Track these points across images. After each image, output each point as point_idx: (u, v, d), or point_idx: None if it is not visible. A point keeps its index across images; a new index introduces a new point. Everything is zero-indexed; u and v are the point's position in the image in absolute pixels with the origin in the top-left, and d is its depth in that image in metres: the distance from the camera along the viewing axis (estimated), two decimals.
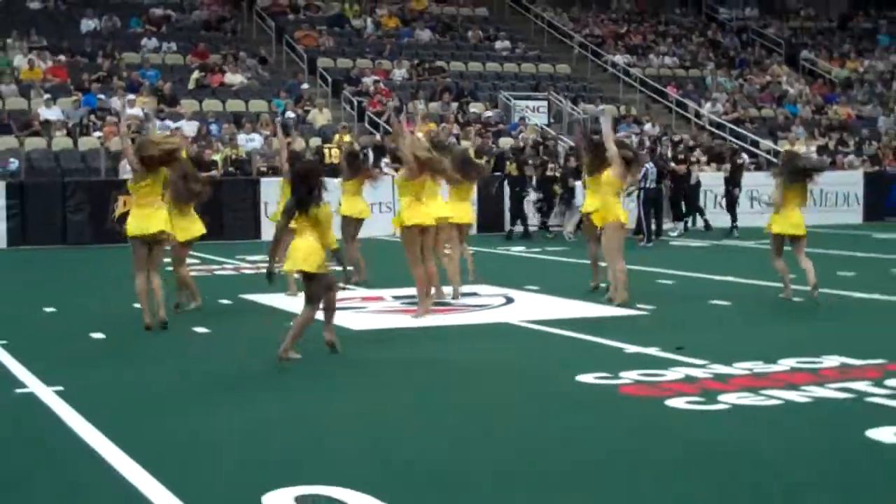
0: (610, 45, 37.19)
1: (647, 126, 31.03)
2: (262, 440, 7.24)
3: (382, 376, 9.51)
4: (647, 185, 22.77)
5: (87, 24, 32.09)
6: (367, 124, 29.30)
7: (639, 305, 13.13)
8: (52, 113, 26.38)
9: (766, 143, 31.08)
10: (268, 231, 21.98)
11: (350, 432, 7.46)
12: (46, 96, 26.98)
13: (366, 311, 13.29)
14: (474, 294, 14.44)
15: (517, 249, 21.58)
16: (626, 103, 33.42)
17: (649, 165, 22.96)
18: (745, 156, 28.12)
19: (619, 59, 36.17)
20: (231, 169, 24.66)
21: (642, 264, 17.67)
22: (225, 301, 14.10)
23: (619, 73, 35.59)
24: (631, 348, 10.38)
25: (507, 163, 24.76)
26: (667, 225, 24.63)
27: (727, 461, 6.76)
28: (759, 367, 9.33)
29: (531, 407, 8.21)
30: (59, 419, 7.82)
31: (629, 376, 9.01)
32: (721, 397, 8.22)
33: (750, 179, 26.08)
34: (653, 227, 23.02)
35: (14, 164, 23.32)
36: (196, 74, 30.05)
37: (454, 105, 30.65)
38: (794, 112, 34.44)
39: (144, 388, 8.96)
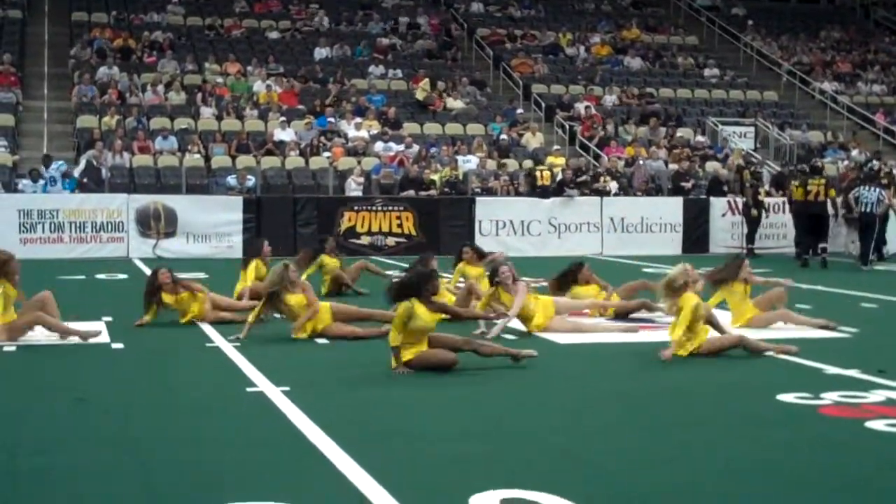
0: (818, 72, 36.21)
1: (854, 152, 30.04)
2: (467, 441, 7.33)
3: (589, 389, 9.47)
4: (866, 210, 21.80)
5: (320, 53, 33.07)
6: (577, 147, 29.27)
7: (841, 328, 12.71)
8: (286, 134, 27.25)
9: None
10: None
11: (548, 441, 7.47)
12: (281, 119, 27.90)
13: None
14: None
15: None
16: (833, 129, 32.46)
17: (866, 190, 21.88)
18: None
19: (827, 86, 35.17)
20: (447, 189, 24.94)
21: (847, 287, 17.09)
22: None
23: (827, 100, 34.59)
24: (831, 369, 10.05)
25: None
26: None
27: None
28: None
29: (731, 423, 8.05)
30: (285, 416, 8.06)
31: (829, 397, 8.73)
32: None
33: None
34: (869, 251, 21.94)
35: (251, 180, 24.13)
36: (423, 93, 30.49)
37: (662, 130, 30.33)
38: None
39: (364, 388, 9.16)
